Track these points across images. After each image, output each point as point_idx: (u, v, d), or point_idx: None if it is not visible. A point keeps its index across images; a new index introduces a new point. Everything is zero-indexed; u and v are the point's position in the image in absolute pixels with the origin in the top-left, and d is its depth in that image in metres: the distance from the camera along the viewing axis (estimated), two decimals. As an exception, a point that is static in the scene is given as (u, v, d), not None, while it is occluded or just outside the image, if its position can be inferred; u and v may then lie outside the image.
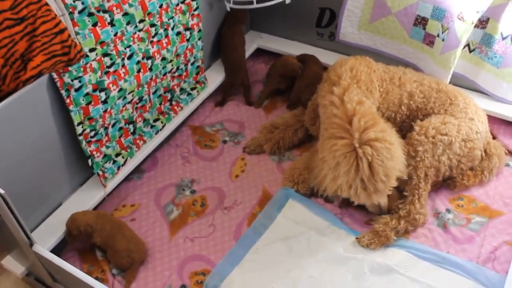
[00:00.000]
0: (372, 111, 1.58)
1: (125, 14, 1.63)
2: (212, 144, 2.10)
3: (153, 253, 1.71)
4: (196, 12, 1.97)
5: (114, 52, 1.64)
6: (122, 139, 1.86)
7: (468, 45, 1.95)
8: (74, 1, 1.45)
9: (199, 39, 2.06)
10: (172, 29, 1.87)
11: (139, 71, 1.78)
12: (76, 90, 1.56)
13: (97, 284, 1.36)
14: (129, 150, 1.90)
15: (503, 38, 1.86)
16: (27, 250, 1.47)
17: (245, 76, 2.26)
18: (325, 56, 2.30)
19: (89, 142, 1.70)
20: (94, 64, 1.58)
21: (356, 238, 1.67)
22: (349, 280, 1.57)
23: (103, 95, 1.66)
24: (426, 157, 1.67)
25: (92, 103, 1.63)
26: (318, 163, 1.64)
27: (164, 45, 1.86)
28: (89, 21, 1.52)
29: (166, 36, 1.86)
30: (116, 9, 1.60)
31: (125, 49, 1.68)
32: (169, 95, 2.04)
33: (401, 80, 1.83)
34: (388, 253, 1.63)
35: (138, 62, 1.76)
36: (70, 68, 1.50)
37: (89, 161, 1.73)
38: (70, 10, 1.45)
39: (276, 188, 1.87)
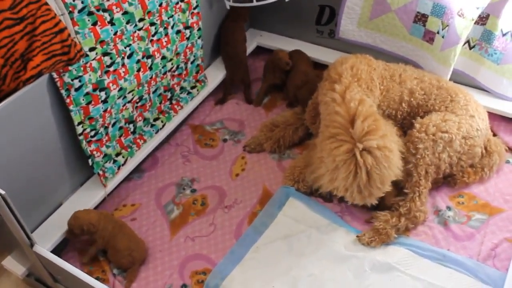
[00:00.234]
0: (373, 111, 1.58)
1: (125, 13, 1.63)
2: (212, 143, 2.10)
3: (153, 252, 1.71)
4: (195, 11, 1.96)
5: (114, 51, 1.64)
6: (122, 138, 1.86)
7: (468, 41, 1.95)
8: (73, 0, 1.44)
9: (199, 38, 2.06)
10: (172, 27, 1.87)
11: (139, 70, 1.77)
12: (76, 89, 1.55)
13: (98, 284, 1.36)
14: (129, 150, 1.89)
15: (503, 35, 1.85)
16: (27, 251, 1.47)
17: (245, 73, 2.26)
18: (325, 54, 2.30)
19: (89, 142, 1.70)
20: (94, 64, 1.58)
21: (357, 236, 1.67)
22: (349, 278, 1.57)
23: (103, 95, 1.66)
24: (427, 154, 1.67)
25: (92, 102, 1.63)
26: (315, 159, 1.64)
27: (164, 43, 1.85)
28: (88, 20, 1.51)
29: (166, 34, 1.85)
30: (116, 8, 1.59)
31: (125, 48, 1.68)
32: (169, 94, 2.04)
33: (402, 77, 1.83)
34: (388, 251, 1.63)
35: (138, 61, 1.76)
36: (70, 68, 1.50)
37: (89, 160, 1.73)
38: (70, 9, 1.44)
39: (277, 187, 1.87)
